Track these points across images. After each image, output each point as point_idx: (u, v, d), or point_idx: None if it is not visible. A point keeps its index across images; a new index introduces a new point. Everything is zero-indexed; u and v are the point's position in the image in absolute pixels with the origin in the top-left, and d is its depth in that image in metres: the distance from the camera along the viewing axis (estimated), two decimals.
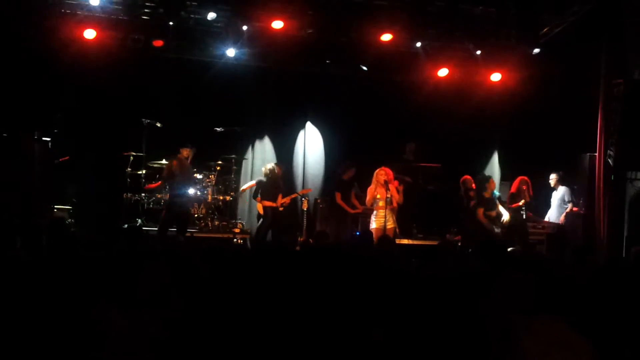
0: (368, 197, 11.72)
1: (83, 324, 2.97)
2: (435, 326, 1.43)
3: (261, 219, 12.72)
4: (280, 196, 12.68)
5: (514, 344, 3.06)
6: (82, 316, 3.03)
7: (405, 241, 13.12)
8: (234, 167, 13.97)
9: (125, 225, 12.18)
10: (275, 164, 13.03)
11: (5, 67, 10.68)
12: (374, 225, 11.55)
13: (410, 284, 1.56)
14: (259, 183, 12.74)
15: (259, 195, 12.63)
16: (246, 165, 14.67)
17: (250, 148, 14.69)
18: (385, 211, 11.51)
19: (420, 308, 1.44)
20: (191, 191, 12.73)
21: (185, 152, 12.44)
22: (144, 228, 11.87)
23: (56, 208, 12.34)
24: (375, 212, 11.67)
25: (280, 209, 12.73)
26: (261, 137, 14.67)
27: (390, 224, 11.56)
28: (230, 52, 13.37)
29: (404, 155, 14.46)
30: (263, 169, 12.87)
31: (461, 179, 12.81)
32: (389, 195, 11.47)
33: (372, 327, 1.34)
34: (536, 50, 13.74)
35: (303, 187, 14.51)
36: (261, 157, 14.52)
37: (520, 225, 12.11)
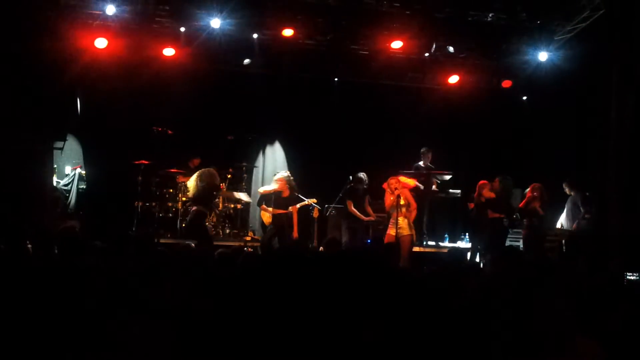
0: (386, 205, 11.67)
1: (95, 332, 2.96)
2: (441, 333, 1.42)
3: (269, 227, 12.52)
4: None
5: (526, 349, 3.03)
6: (93, 324, 3.02)
7: (416, 249, 13.05)
8: (245, 175, 13.97)
9: (137, 234, 12.18)
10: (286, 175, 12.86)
11: (18, 75, 10.73)
12: (389, 232, 11.49)
13: (416, 290, 1.55)
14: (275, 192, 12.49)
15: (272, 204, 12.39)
16: (257, 173, 14.67)
17: (261, 156, 14.70)
18: (397, 219, 11.46)
19: (425, 314, 1.43)
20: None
21: (197, 161, 12.50)
22: (155, 236, 11.87)
23: (67, 215, 12.39)
24: (391, 220, 11.64)
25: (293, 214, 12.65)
26: (272, 145, 14.68)
27: (403, 232, 11.39)
28: (244, 60, 13.44)
29: (420, 163, 14.35)
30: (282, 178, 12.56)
31: (479, 183, 12.72)
32: (402, 202, 11.41)
33: (372, 331, 1.33)
34: (546, 57, 13.72)
35: (314, 195, 14.45)
36: (272, 164, 14.53)
37: (536, 232, 12.05)
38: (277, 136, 14.72)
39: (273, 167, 14.39)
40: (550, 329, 3.24)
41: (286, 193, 11.97)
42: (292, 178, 12.18)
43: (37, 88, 11.17)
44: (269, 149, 14.72)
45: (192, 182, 11.32)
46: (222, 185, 12.38)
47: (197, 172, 11.35)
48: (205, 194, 11.26)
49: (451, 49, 13.61)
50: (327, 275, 1.52)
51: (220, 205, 13.66)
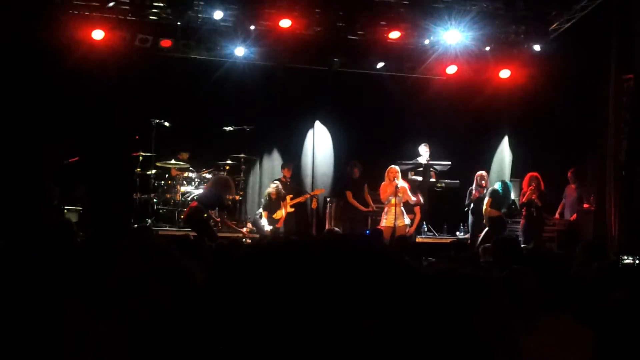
0: (382, 194, 11.71)
1: (93, 326, 2.94)
2: (440, 325, 1.42)
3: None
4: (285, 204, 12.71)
5: (520, 341, 3.03)
6: (91, 317, 3.00)
7: (416, 239, 13.08)
8: (243, 167, 13.97)
9: (135, 225, 12.19)
10: (286, 165, 13.12)
11: (14, 67, 10.71)
12: (384, 222, 11.54)
13: (417, 281, 1.55)
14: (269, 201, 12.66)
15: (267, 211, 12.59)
16: (255, 164, 14.67)
17: (259, 147, 14.68)
18: (396, 209, 11.49)
19: (424, 305, 1.43)
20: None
21: (185, 156, 12.73)
22: (153, 228, 11.89)
23: (66, 209, 12.36)
24: (386, 209, 11.63)
25: (292, 209, 12.75)
26: (270, 136, 14.65)
27: (400, 222, 11.53)
28: (239, 51, 13.40)
29: (417, 158, 14.35)
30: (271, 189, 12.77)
31: (476, 175, 12.72)
32: (400, 194, 11.44)
33: (371, 322, 1.33)
34: (544, 47, 13.70)
35: (313, 186, 14.48)
36: (270, 156, 14.52)
37: (534, 222, 12.05)
38: (275, 128, 14.69)
39: (271, 158, 14.38)
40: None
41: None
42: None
43: (34, 80, 11.15)
44: (266, 141, 14.69)
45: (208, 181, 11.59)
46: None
47: (217, 177, 11.46)
48: (212, 201, 11.30)
49: (449, 39, 13.57)
50: (327, 266, 1.52)
51: None
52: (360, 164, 12.73)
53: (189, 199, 12.91)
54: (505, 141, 15.59)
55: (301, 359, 1.38)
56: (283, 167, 13.47)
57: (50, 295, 3.24)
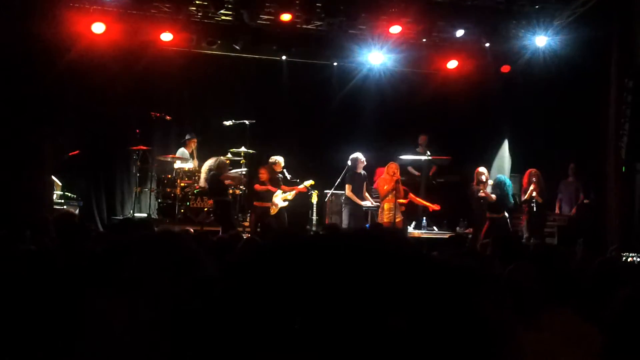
0: (380, 189, 11.72)
1: (90, 317, 2.95)
2: (440, 318, 1.42)
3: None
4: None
5: (523, 337, 3.03)
6: (84, 306, 3.00)
7: (415, 234, 13.09)
8: (243, 161, 13.94)
9: (136, 218, 12.19)
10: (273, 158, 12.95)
11: (13, 61, 10.67)
12: (382, 218, 11.57)
13: (418, 272, 1.54)
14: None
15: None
16: (255, 158, 14.63)
17: (260, 141, 14.64)
18: (395, 204, 11.51)
19: (426, 298, 1.43)
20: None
21: (193, 144, 12.76)
22: (154, 221, 11.89)
23: (65, 202, 12.36)
24: (384, 205, 11.65)
25: (285, 204, 12.70)
26: (271, 131, 14.61)
27: (399, 217, 11.60)
28: (239, 45, 13.38)
29: (416, 149, 14.40)
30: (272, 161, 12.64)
31: (475, 170, 12.71)
32: (398, 189, 11.48)
33: (381, 316, 1.33)
34: (545, 42, 13.68)
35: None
36: (270, 149, 14.47)
37: (536, 218, 12.06)
38: (276, 121, 14.67)
39: (272, 152, 14.33)
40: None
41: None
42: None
43: (34, 74, 11.10)
44: (267, 135, 14.65)
45: (202, 174, 11.93)
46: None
47: (209, 162, 11.62)
48: (218, 184, 11.58)
49: (456, 33, 13.55)
50: (333, 261, 1.51)
51: None
52: (364, 158, 12.60)
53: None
54: (505, 136, 15.58)
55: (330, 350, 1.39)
56: (274, 163, 13.12)
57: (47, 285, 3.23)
